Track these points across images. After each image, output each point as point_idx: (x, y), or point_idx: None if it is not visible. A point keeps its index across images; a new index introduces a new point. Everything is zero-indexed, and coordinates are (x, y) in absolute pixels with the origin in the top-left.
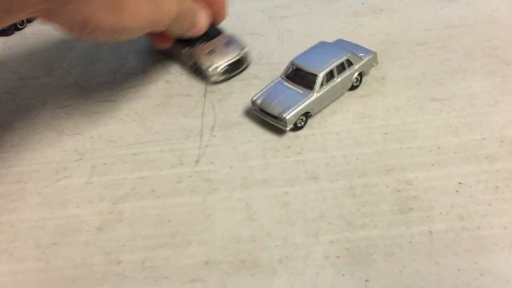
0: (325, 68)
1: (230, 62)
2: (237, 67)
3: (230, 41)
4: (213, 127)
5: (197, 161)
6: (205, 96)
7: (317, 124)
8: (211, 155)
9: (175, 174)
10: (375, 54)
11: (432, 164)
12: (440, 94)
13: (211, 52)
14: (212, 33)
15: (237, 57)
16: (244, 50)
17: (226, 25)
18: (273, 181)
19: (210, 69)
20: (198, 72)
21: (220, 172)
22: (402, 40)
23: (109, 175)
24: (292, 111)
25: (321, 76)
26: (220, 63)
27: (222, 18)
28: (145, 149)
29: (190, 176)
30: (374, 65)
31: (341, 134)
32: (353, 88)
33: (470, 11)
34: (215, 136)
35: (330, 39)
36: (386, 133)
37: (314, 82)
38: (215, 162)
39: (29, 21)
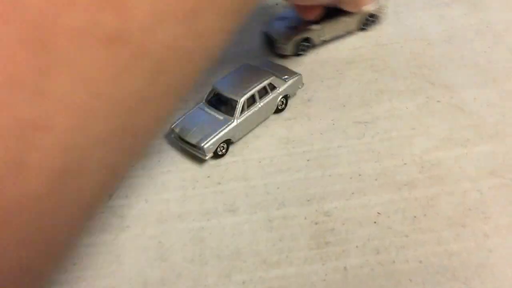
0: (245, 93)
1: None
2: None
3: None
4: None
5: (111, 195)
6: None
7: (239, 150)
8: (127, 187)
9: None
10: (300, 76)
11: (352, 193)
12: (365, 116)
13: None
14: None
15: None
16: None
17: None
18: (190, 215)
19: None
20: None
21: (134, 206)
22: (331, 59)
23: None
24: (211, 139)
25: (241, 101)
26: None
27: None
28: None
29: (103, 212)
30: (300, 87)
31: (263, 161)
32: (278, 111)
33: (399, 28)
34: (132, 166)
35: (257, 58)
36: (308, 160)
37: (234, 108)
38: (130, 195)
39: None
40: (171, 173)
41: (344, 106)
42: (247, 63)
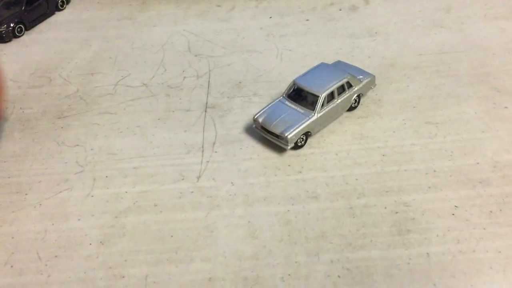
0: (326, 89)
1: None
2: None
3: None
4: (214, 143)
5: (198, 177)
6: (205, 111)
7: (316, 143)
8: (212, 171)
9: (177, 189)
10: (373, 77)
11: (429, 187)
12: (435, 118)
13: None
14: None
15: None
16: None
17: (224, 42)
18: (275, 199)
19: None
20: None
21: (222, 188)
22: (398, 64)
23: (110, 188)
24: (294, 130)
25: (322, 96)
26: None
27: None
28: (146, 163)
29: (192, 192)
30: (372, 87)
31: (340, 154)
32: (351, 109)
33: (462, 38)
34: (216, 152)
35: (328, 59)
36: (383, 155)
37: (315, 102)
38: (216, 178)
39: (27, 28)
40: (253, 160)
41: (414, 107)
42: (324, 62)
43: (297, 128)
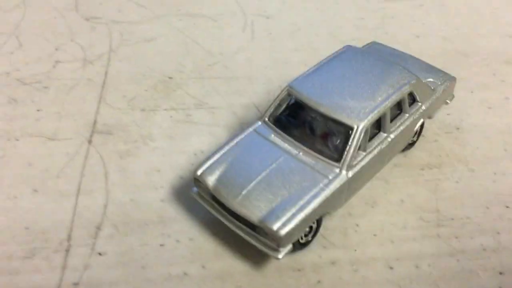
0: (369, 113)
1: None
2: None
3: None
4: (98, 227)
5: None
6: (90, 141)
7: (341, 234)
8: None
9: None
10: (452, 80)
11: None
12: None
13: None
14: None
15: None
16: None
17: None
18: None
19: None
20: None
21: None
22: (475, 52)
23: None
24: (292, 216)
25: (360, 129)
26: None
27: None
28: None
29: None
30: (448, 101)
31: (398, 268)
32: (406, 146)
33: None
34: (100, 255)
35: (341, 37)
36: (501, 273)
37: (343, 142)
38: None
39: None
40: (189, 281)
41: None
42: (351, 45)
43: (299, 210)
